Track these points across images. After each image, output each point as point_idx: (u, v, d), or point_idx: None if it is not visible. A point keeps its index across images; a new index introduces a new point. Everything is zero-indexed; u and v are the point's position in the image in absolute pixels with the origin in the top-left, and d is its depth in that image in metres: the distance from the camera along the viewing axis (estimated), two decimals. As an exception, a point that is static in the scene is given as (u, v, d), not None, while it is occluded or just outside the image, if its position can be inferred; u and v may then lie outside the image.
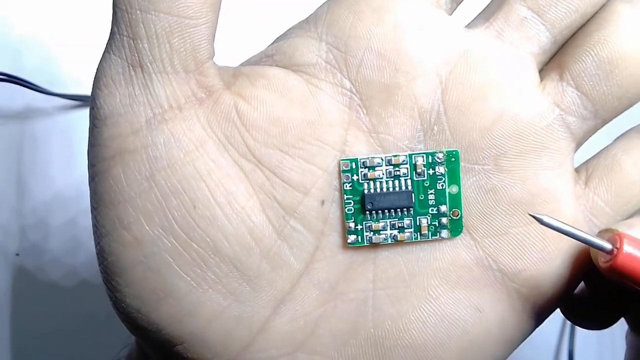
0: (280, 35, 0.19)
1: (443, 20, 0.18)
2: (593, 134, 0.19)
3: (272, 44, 0.19)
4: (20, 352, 0.34)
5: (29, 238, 0.34)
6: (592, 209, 0.19)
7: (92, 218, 0.18)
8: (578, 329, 0.35)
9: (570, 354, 0.35)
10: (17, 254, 0.34)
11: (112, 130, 0.17)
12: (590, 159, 0.19)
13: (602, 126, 0.19)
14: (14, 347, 0.34)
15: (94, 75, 0.18)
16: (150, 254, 0.17)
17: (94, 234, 0.18)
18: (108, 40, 0.17)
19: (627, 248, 0.16)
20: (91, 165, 0.18)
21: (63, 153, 0.34)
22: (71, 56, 0.35)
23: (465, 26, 0.19)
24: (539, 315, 0.19)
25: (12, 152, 0.34)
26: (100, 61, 0.18)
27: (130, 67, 0.17)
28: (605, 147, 0.19)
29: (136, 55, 0.17)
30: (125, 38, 0.17)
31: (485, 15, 0.19)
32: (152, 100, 0.17)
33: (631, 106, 0.19)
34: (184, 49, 0.17)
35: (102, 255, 0.18)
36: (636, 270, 0.16)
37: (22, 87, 0.33)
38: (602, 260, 0.17)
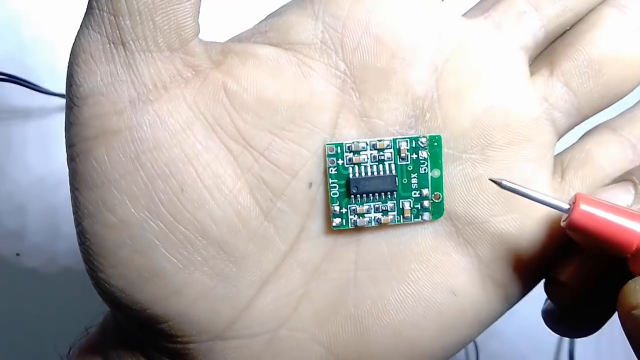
0: (274, 12, 0.19)
1: (442, 8, 0.18)
2: (570, 130, 0.20)
3: (265, 19, 0.19)
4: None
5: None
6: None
7: (72, 199, 0.17)
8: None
9: (570, 354, 0.36)
10: (18, 254, 0.33)
11: (93, 109, 0.16)
12: (563, 152, 0.20)
13: (580, 123, 0.19)
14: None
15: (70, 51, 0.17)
16: (136, 236, 0.17)
17: (74, 215, 0.17)
18: (85, 15, 0.16)
19: (583, 206, 0.17)
20: (70, 144, 0.17)
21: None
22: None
23: (463, 15, 0.19)
24: (511, 300, 0.20)
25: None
26: (78, 36, 0.17)
27: (111, 44, 0.16)
28: (578, 141, 0.20)
29: (117, 32, 0.16)
30: (105, 14, 0.16)
31: (484, 6, 0.19)
32: (136, 80, 0.16)
33: (610, 105, 0.19)
34: (167, 27, 0.16)
35: (84, 236, 0.17)
36: (589, 226, 0.17)
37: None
38: (562, 221, 0.18)
